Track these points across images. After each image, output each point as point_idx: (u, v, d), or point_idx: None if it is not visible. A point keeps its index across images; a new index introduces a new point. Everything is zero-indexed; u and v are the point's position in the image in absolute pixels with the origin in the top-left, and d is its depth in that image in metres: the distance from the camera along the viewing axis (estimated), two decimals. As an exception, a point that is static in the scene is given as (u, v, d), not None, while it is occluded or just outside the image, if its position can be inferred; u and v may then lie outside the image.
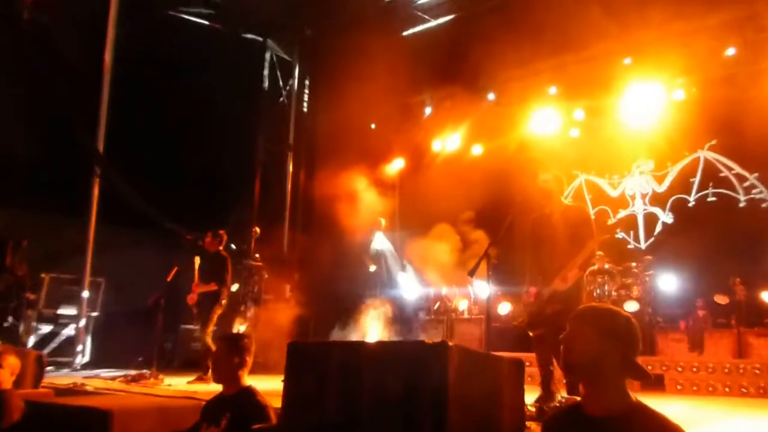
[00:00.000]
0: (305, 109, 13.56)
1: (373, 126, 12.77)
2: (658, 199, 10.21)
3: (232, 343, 3.74)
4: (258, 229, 11.32)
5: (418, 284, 10.51)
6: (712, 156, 9.75)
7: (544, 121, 10.81)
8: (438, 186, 10.29)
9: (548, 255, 5.14)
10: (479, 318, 9.51)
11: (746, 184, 9.44)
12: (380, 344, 3.57)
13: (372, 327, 8.63)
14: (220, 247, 7.82)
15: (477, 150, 11.78)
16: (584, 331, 2.18)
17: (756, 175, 9.36)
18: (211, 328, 7.48)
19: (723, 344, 7.63)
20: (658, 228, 10.13)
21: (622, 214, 10.54)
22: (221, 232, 7.90)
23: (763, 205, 9.27)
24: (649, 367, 7.22)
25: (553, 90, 10.82)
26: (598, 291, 8.76)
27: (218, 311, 7.57)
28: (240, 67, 12.03)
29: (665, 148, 9.88)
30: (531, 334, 5.17)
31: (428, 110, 12.47)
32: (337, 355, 3.15)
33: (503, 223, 4.83)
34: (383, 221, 10.04)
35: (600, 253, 8.81)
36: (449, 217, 9.88)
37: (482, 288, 9.40)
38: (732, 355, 7.46)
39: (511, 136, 10.99)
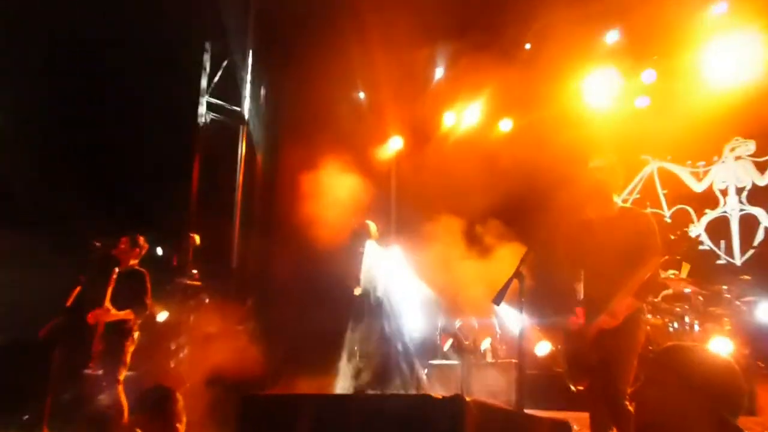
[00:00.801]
0: (266, 68, 13.49)
1: (361, 95, 12.81)
2: (760, 196, 10.21)
3: (154, 407, 3.71)
4: (196, 236, 11.21)
5: (425, 313, 10.48)
6: (835, 135, 9.83)
7: (600, 86, 10.88)
8: (449, 175, 10.36)
9: (593, 278, 5.21)
10: (508, 362, 9.46)
11: None
12: (371, 398, 3.68)
13: (359, 374, 8.67)
14: (135, 261, 7.85)
15: (505, 125, 11.83)
16: (664, 382, 2.21)
17: None
18: (123, 374, 7.44)
19: None
20: (760, 236, 10.11)
21: (710, 216, 10.55)
22: (140, 237, 7.89)
23: None
24: (748, 433, 7.10)
25: (612, 38, 10.89)
26: (675, 325, 8.73)
27: (130, 348, 7.55)
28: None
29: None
30: (573, 388, 5.20)
31: (438, 71, 12.47)
32: (310, 412, 3.24)
33: (523, 257, 4.88)
34: (373, 226, 9.98)
35: (674, 272, 8.75)
36: (465, 217, 9.90)
37: (512, 320, 9.36)
38: None
39: (553, 107, 11.07)
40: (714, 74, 10.07)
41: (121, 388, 7.41)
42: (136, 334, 7.71)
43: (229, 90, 13.07)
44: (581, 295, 5.31)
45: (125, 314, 7.50)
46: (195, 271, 10.98)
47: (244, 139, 13.23)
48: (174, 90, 12.07)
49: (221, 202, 12.72)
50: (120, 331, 7.57)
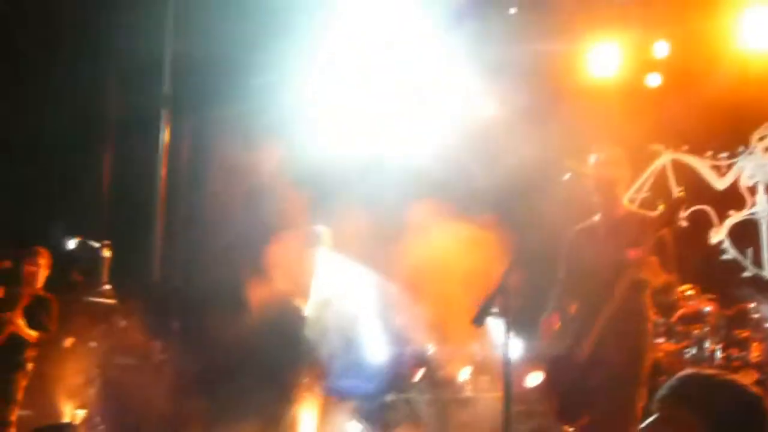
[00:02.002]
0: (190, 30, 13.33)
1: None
2: (794, 195, 10.34)
3: None
4: (107, 245, 11.07)
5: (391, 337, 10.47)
6: None
7: (602, 60, 10.93)
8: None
9: (587, 292, 5.31)
10: (491, 396, 9.45)
11: None
12: None
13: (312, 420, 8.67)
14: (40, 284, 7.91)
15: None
16: (680, 419, 2.17)
17: None
18: (16, 413, 7.40)
19: None
20: (798, 243, 10.23)
21: (735, 218, 10.67)
22: (40, 249, 7.87)
23: None
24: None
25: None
26: (693, 351, 8.81)
27: (23, 383, 7.54)
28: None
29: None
30: (567, 429, 5.25)
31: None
32: None
33: (509, 268, 4.84)
34: (325, 232, 9.96)
35: (690, 291, 8.84)
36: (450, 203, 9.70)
37: (497, 346, 9.28)
38: None
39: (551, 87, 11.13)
40: (740, 46, 10.19)
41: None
42: (29, 366, 7.69)
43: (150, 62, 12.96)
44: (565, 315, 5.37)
45: (33, 335, 7.71)
46: (108, 287, 10.86)
47: (167, 121, 13.11)
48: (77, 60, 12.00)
49: (139, 201, 12.62)
50: (11, 363, 7.55)
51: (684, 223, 5.54)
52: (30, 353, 7.77)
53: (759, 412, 2.18)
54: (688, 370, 2.34)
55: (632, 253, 4.93)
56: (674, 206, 5.15)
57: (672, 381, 2.26)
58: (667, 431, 2.19)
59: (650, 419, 2.23)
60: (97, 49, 12.35)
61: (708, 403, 2.18)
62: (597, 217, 5.48)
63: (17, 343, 7.70)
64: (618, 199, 5.47)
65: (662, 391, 2.24)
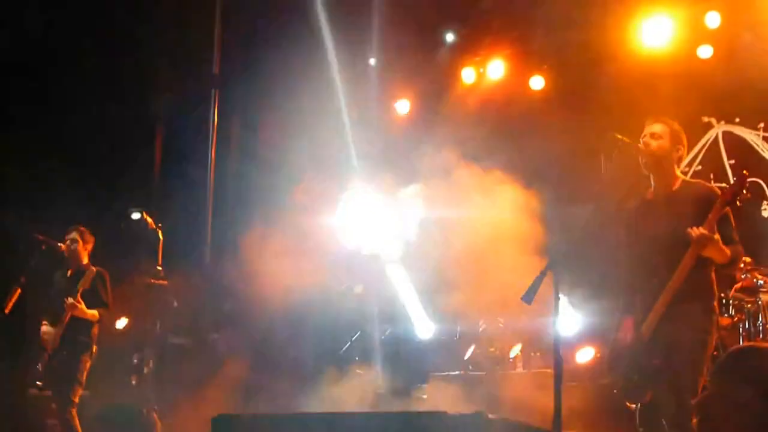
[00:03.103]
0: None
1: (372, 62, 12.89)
2: None
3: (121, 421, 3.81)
4: (159, 227, 11.18)
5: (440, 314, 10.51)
6: None
7: (654, 32, 10.83)
8: (468, 142, 10.31)
9: (648, 268, 5.24)
10: (543, 372, 9.51)
11: None
12: (375, 417, 3.69)
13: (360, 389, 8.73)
14: (86, 259, 8.01)
15: (537, 83, 11.84)
16: (736, 395, 2.21)
17: None
18: (78, 394, 7.52)
19: None
20: None
21: (786, 192, 10.54)
22: (83, 228, 7.98)
23: None
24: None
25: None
26: (747, 326, 8.71)
27: (88, 364, 7.64)
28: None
29: None
30: (629, 405, 5.20)
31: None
32: None
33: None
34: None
35: (747, 259, 8.77)
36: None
37: (548, 323, 9.32)
38: None
39: (600, 59, 11.11)
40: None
41: (74, 411, 7.46)
42: (94, 348, 7.80)
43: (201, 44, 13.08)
44: (629, 292, 5.33)
45: (92, 314, 7.75)
46: (160, 268, 10.98)
47: (216, 103, 13.19)
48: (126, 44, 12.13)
49: (190, 181, 12.75)
50: (76, 342, 7.65)
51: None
52: (94, 332, 7.87)
53: None
54: (738, 346, 2.37)
55: (698, 230, 4.89)
56: (739, 183, 5.08)
57: (723, 357, 2.29)
58: (723, 404, 2.20)
59: (704, 395, 2.25)
60: (147, 32, 12.48)
61: (759, 373, 2.20)
62: (651, 190, 5.43)
63: (80, 324, 7.81)
64: (672, 170, 5.41)
65: (714, 368, 2.27)
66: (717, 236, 4.96)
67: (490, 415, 2.98)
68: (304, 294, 9.67)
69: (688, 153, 10.84)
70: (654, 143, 5.33)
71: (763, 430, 2.15)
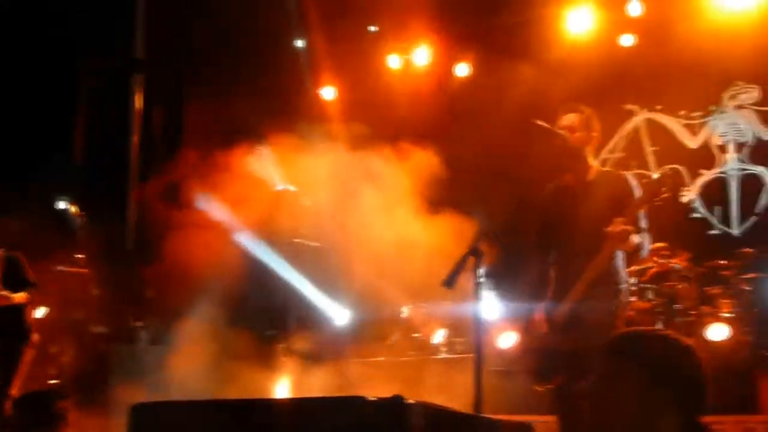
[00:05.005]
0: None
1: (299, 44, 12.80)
2: (764, 153, 10.46)
3: (38, 409, 3.73)
4: (78, 210, 11.03)
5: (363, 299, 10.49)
6: None
7: (576, 20, 10.97)
8: (392, 128, 10.38)
9: (565, 256, 5.30)
10: (466, 358, 9.53)
11: None
12: (292, 404, 3.67)
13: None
14: None
15: (462, 71, 11.85)
16: (624, 375, 2.26)
17: None
18: (18, 386, 7.37)
19: None
20: (764, 201, 10.39)
21: (706, 177, 10.76)
22: None
23: None
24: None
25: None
26: (664, 308, 8.93)
27: (29, 356, 7.51)
28: None
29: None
30: (539, 388, 5.26)
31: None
32: (217, 421, 3.27)
33: (482, 229, 4.97)
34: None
35: (664, 244, 8.92)
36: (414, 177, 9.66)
37: (470, 308, 9.35)
38: None
39: (524, 46, 11.16)
40: (713, 5, 10.27)
41: (9, 405, 7.30)
42: (34, 336, 7.64)
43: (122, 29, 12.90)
44: (544, 280, 5.39)
45: (20, 297, 7.53)
46: (80, 256, 10.82)
47: (139, 90, 13.04)
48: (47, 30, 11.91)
49: (111, 167, 12.57)
50: (14, 334, 7.48)
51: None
52: (29, 318, 7.66)
53: (690, 358, 2.26)
54: (625, 329, 2.44)
55: (620, 226, 4.94)
56: (659, 184, 5.15)
57: (611, 341, 2.34)
58: (611, 387, 2.25)
59: (594, 378, 2.29)
60: (68, 16, 12.27)
61: (644, 354, 2.26)
62: (567, 178, 5.47)
63: (10, 311, 7.57)
64: (587, 159, 5.44)
65: (604, 352, 2.31)
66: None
67: (408, 400, 2.95)
68: (227, 279, 9.61)
69: (610, 140, 11.08)
70: (572, 135, 5.34)
71: (649, 412, 2.20)
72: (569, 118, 5.37)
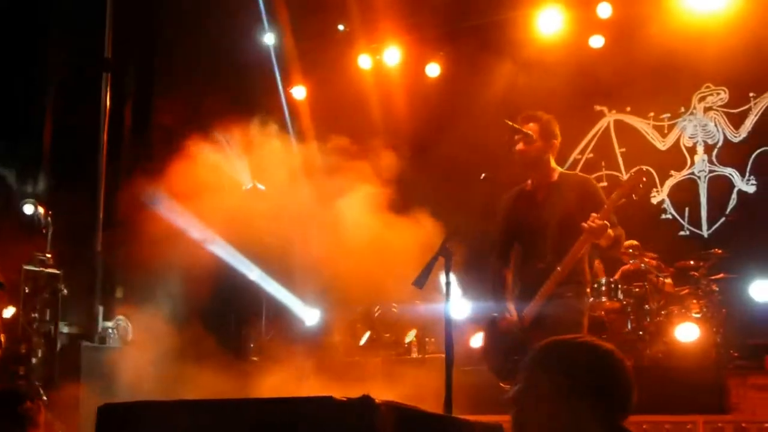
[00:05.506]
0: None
1: (270, 40, 12.71)
2: (733, 154, 10.49)
3: (5, 410, 3.69)
4: (45, 209, 10.92)
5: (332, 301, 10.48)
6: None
7: (546, 22, 10.98)
8: (363, 130, 10.37)
9: (528, 257, 5.35)
10: (437, 358, 9.53)
11: None
12: (260, 404, 3.62)
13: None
14: None
15: (433, 71, 11.88)
16: (545, 385, 2.28)
17: None
18: None
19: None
20: (733, 202, 10.43)
21: (676, 178, 10.82)
22: None
23: None
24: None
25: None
26: (634, 308, 8.97)
27: None
28: None
29: (747, 67, 10.09)
30: (505, 387, 5.27)
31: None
32: (185, 422, 3.23)
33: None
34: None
35: (634, 242, 8.97)
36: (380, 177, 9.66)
37: (440, 308, 9.36)
38: None
39: (496, 47, 11.19)
40: (683, 7, 10.32)
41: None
42: (2, 337, 7.56)
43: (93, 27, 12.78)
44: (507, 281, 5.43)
45: None
46: (49, 255, 10.73)
47: (108, 86, 12.90)
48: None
49: (81, 166, 12.43)
50: None
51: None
52: None
53: (610, 365, 2.28)
54: (547, 340, 2.43)
55: (597, 221, 4.96)
56: (636, 178, 5.18)
57: (532, 351, 2.34)
58: (534, 396, 2.26)
59: (517, 388, 2.29)
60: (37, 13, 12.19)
61: (564, 363, 2.26)
62: (529, 182, 5.48)
63: None
64: (549, 164, 5.44)
65: (525, 361, 2.32)
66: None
67: (377, 400, 2.92)
68: (195, 279, 9.57)
69: (580, 141, 11.12)
70: (527, 146, 5.35)
71: (573, 419, 2.22)
72: (526, 128, 5.38)
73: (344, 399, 2.96)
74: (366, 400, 2.93)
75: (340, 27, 12.62)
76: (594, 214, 4.97)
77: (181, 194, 9.33)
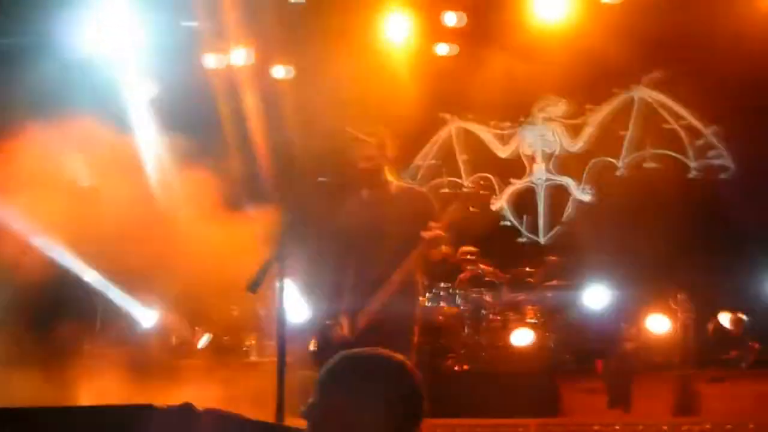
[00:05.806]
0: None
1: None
2: (569, 164, 10.85)
3: None
4: None
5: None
6: (653, 97, 10.51)
7: (393, 28, 10.96)
8: (206, 127, 10.38)
9: (369, 261, 5.36)
10: (275, 361, 9.43)
11: (700, 142, 10.18)
12: (80, 412, 3.52)
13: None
14: None
15: (279, 73, 11.83)
16: (336, 401, 2.24)
17: (714, 128, 10.15)
18: None
19: (660, 396, 8.15)
20: (569, 210, 10.77)
21: (515, 186, 11.07)
22: None
23: (722, 175, 10.05)
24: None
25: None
26: (467, 315, 9.08)
27: None
28: None
29: (584, 80, 10.44)
30: None
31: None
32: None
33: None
34: None
35: (472, 249, 9.11)
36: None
37: (275, 311, 9.32)
38: (672, 411, 7.96)
39: (343, 51, 11.07)
40: (523, 18, 10.41)
41: None
42: None
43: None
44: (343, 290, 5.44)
45: None
46: None
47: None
48: None
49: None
50: None
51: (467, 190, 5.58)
52: None
53: (401, 374, 2.29)
54: (339, 354, 2.42)
55: (434, 231, 5.02)
56: (465, 203, 5.31)
57: (326, 366, 2.33)
58: (327, 413, 2.25)
59: (311, 403, 2.28)
60: None
61: (360, 381, 2.25)
62: (365, 193, 5.52)
63: None
64: (385, 178, 5.49)
65: (320, 376, 2.30)
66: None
67: (198, 408, 2.86)
68: (24, 282, 9.25)
69: (423, 147, 11.21)
70: (370, 164, 5.40)
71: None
72: (366, 145, 5.41)
73: (164, 407, 2.92)
74: (186, 408, 2.89)
75: (185, 23, 12.35)
76: (432, 224, 5.04)
77: (6, 188, 8.97)
